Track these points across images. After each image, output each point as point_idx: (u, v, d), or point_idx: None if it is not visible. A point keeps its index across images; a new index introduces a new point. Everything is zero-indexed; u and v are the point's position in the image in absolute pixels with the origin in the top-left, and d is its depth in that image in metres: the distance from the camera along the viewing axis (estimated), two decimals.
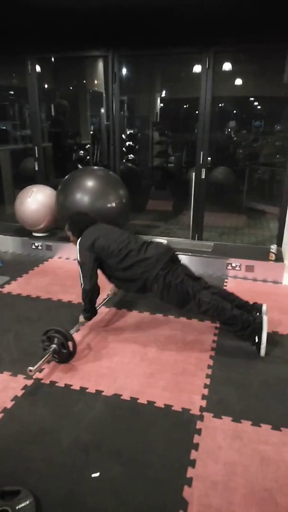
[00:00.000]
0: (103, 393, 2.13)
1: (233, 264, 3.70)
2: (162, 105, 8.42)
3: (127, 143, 6.51)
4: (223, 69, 6.48)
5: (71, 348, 2.34)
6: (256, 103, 8.31)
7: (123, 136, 6.53)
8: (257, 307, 2.64)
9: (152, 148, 7.62)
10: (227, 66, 6.62)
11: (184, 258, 3.84)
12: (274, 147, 6.32)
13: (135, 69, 6.86)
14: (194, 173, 4.06)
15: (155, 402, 2.06)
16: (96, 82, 6.60)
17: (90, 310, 2.60)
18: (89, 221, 2.72)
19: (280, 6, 3.04)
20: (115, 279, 2.68)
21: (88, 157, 6.39)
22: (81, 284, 2.54)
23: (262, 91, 7.36)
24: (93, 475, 1.66)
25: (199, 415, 1.98)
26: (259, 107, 8.35)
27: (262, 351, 2.44)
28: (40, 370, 2.29)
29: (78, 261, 2.56)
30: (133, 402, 2.07)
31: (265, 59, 5.97)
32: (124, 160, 6.25)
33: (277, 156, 5.79)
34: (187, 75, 6.50)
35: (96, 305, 2.67)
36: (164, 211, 5.75)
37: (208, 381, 2.24)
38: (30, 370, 2.12)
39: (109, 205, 3.77)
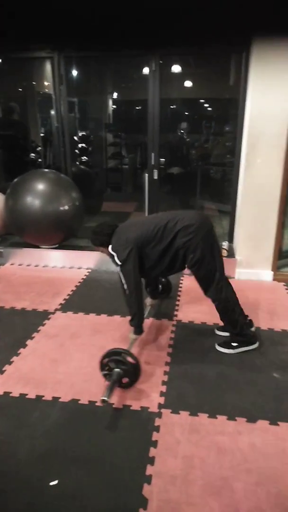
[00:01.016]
0: (60, 400, 2.09)
1: None
2: (114, 106, 8.43)
3: (80, 145, 6.45)
4: (172, 71, 6.61)
5: (129, 360, 2.12)
6: (206, 105, 8.55)
7: (75, 138, 6.45)
8: (251, 325, 2.68)
9: (106, 150, 7.61)
10: (176, 69, 6.75)
11: None
12: (225, 148, 6.54)
13: (85, 71, 6.81)
14: (146, 174, 4.09)
15: (113, 404, 2.05)
16: (46, 84, 6.47)
17: (136, 313, 2.35)
18: (111, 226, 2.52)
19: (223, 10, 3.14)
20: (156, 267, 2.43)
21: (40, 160, 6.25)
22: (125, 290, 2.35)
23: (210, 93, 7.60)
24: (51, 483, 1.62)
25: (157, 412, 2.00)
26: (209, 108, 8.60)
27: (224, 350, 2.52)
28: None
29: (118, 264, 2.34)
30: (91, 405, 2.05)
31: (212, 62, 6.17)
32: (77, 162, 6.18)
33: (227, 156, 6.00)
34: (137, 77, 6.57)
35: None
36: (120, 213, 5.75)
37: (166, 378, 2.26)
38: (105, 400, 1.91)
39: (61, 208, 3.71)
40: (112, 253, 2.38)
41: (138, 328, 2.39)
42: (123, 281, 2.35)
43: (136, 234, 2.35)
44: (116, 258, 2.35)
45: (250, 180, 3.47)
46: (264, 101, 3.26)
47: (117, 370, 2.08)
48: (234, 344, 2.53)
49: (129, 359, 2.11)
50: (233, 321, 2.50)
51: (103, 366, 2.14)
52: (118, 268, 2.37)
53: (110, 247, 2.41)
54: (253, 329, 2.68)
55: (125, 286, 2.34)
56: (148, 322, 2.90)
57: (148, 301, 2.94)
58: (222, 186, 6.17)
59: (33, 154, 6.21)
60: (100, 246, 2.51)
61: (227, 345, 2.54)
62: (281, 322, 2.92)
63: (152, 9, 3.28)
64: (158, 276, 2.53)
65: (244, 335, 2.52)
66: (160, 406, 2.04)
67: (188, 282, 3.64)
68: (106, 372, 2.13)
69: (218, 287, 2.41)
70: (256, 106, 3.29)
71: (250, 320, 2.68)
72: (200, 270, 2.38)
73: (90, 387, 2.19)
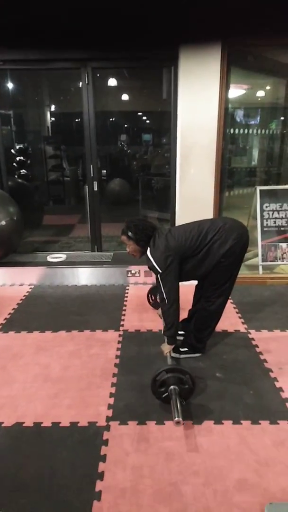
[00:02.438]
0: (3, 425, 1.99)
1: (133, 271, 3.81)
2: (53, 119, 8.34)
3: (18, 158, 6.27)
4: (108, 84, 6.71)
5: (190, 383, 2.05)
6: (144, 118, 8.78)
7: (12, 151, 6.27)
8: None
9: (46, 162, 7.48)
10: (112, 82, 6.87)
11: (85, 270, 3.84)
12: (164, 158, 6.74)
13: (20, 83, 6.68)
14: (86, 186, 4.09)
15: (60, 422, 1.99)
16: None
17: (173, 324, 2.29)
18: (153, 226, 2.39)
19: (152, 24, 3.27)
20: (193, 271, 2.35)
21: None
22: (164, 297, 2.25)
23: (146, 106, 7.82)
24: None
25: (106, 425, 1.98)
26: (147, 121, 8.84)
27: (168, 356, 2.51)
28: None
29: (157, 271, 2.25)
30: (36, 427, 1.97)
31: (145, 76, 6.36)
32: (16, 176, 6.01)
33: (166, 166, 6.19)
34: (75, 89, 6.57)
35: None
36: (63, 225, 5.66)
37: (113, 390, 2.25)
38: (179, 422, 1.81)
39: None
40: (150, 257, 2.28)
41: (173, 338, 2.35)
42: (163, 290, 2.26)
43: (178, 243, 2.27)
44: (155, 264, 2.26)
45: (186, 189, 3.61)
46: (193, 113, 3.43)
47: (173, 387, 2.01)
48: (182, 350, 2.58)
49: (182, 374, 2.05)
50: (206, 327, 2.51)
51: (158, 385, 2.06)
52: (158, 275, 2.28)
53: (148, 250, 2.31)
54: None
55: (165, 295, 2.26)
56: (94, 335, 2.88)
57: (159, 311, 2.85)
58: (162, 196, 6.34)
59: None
60: (134, 243, 2.36)
61: (175, 350, 2.57)
62: (221, 323, 3.02)
63: (83, 22, 3.33)
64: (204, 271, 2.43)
65: (201, 342, 2.57)
66: (108, 418, 2.02)
67: (133, 291, 3.67)
68: (162, 393, 2.06)
69: (220, 293, 2.37)
70: (186, 119, 3.45)
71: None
72: (220, 274, 2.32)
73: (34, 407, 2.11)
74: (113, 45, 3.45)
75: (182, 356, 2.56)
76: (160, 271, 2.24)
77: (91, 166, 3.93)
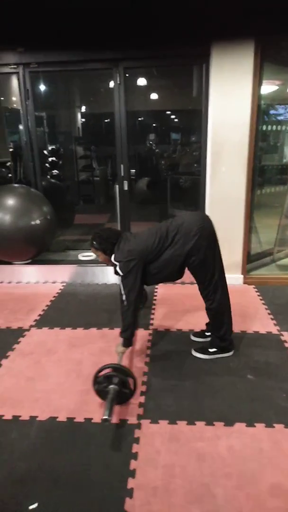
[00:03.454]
0: (37, 419, 2.05)
1: None
2: (83, 120, 8.48)
3: (50, 159, 6.43)
4: (137, 84, 6.73)
5: (131, 386, 2.10)
6: (172, 116, 8.75)
7: (45, 152, 6.43)
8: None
9: (77, 163, 7.62)
10: (141, 82, 6.89)
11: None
12: (192, 157, 6.70)
13: (52, 85, 6.84)
14: (117, 186, 4.13)
15: (92, 419, 2.03)
16: (14, 99, 6.44)
17: (129, 325, 2.33)
18: (117, 233, 2.50)
19: (183, 22, 3.25)
20: (159, 273, 2.42)
21: (10, 175, 6.17)
22: (123, 298, 2.32)
23: (176, 105, 7.78)
24: (30, 507, 1.58)
25: (137, 423, 2.00)
26: (176, 120, 8.80)
27: (200, 356, 2.55)
28: None
29: (120, 275, 2.32)
30: (69, 422, 2.02)
31: (176, 75, 6.34)
32: (48, 176, 6.15)
33: (195, 165, 6.14)
34: (105, 90, 6.65)
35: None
36: (93, 225, 5.74)
37: (144, 388, 2.27)
38: (107, 420, 1.86)
39: (33, 223, 3.67)
40: (115, 263, 2.35)
41: (128, 341, 2.37)
42: (123, 291, 2.32)
43: (141, 247, 2.35)
44: (118, 268, 2.33)
45: (216, 187, 3.56)
46: (225, 110, 3.38)
47: (113, 386, 2.03)
48: (211, 350, 2.56)
49: (126, 376, 2.08)
50: (220, 324, 2.51)
51: (98, 382, 2.09)
52: (119, 278, 2.35)
53: (113, 256, 2.38)
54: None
55: (124, 297, 2.32)
56: None
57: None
58: (191, 194, 6.29)
59: (3, 169, 6.13)
60: (101, 252, 2.47)
61: (204, 351, 2.57)
62: (253, 324, 2.99)
63: (115, 23, 3.36)
64: (175, 277, 2.52)
65: (225, 340, 2.55)
66: (140, 417, 2.04)
67: (162, 290, 3.67)
68: (101, 388, 2.07)
69: (214, 288, 2.41)
70: (218, 116, 3.41)
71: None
72: (201, 271, 2.39)
73: (68, 403, 2.16)
74: (145, 44, 3.46)
75: (212, 356, 2.55)
76: (122, 274, 2.32)
77: (122, 165, 3.96)
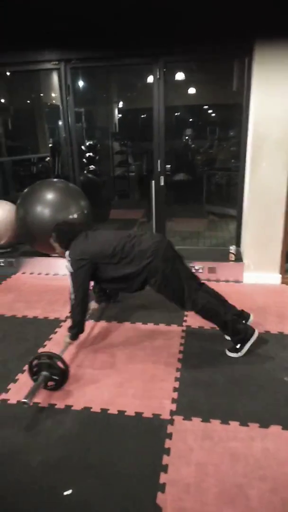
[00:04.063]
0: (72, 408, 2.10)
1: (196, 267, 3.78)
2: (120, 115, 8.53)
3: (87, 154, 6.53)
4: (176, 79, 6.67)
5: (62, 374, 2.20)
6: (210, 111, 8.59)
7: (83, 147, 6.54)
8: (245, 316, 2.66)
9: (113, 158, 7.69)
10: (179, 76, 6.81)
11: None
12: (229, 152, 6.57)
13: (91, 81, 6.93)
14: (153, 181, 4.12)
15: (125, 411, 2.05)
16: (53, 95, 6.60)
17: (77, 324, 2.43)
18: (77, 230, 2.56)
19: (225, 15, 3.18)
20: (113, 282, 2.51)
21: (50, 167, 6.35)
22: (72, 296, 2.38)
23: (214, 99, 7.64)
24: (65, 493, 1.63)
25: (170, 419, 1.99)
26: (213, 114, 8.64)
27: (233, 355, 2.50)
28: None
29: (70, 272, 2.40)
30: (103, 413, 2.05)
31: (215, 69, 6.22)
32: (85, 171, 6.26)
33: (232, 160, 6.01)
34: (142, 85, 6.65)
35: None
36: (128, 220, 5.78)
37: (177, 385, 2.26)
38: (25, 403, 1.95)
39: (70, 217, 3.74)
40: (68, 258, 2.43)
41: (75, 336, 2.46)
42: (73, 289, 2.38)
43: (95, 250, 2.42)
44: (69, 265, 2.40)
45: (256, 184, 3.47)
46: (268, 105, 3.27)
47: (45, 373, 2.14)
48: (238, 347, 2.52)
49: (59, 363, 2.18)
50: (222, 324, 2.50)
51: (31, 368, 2.19)
52: (68, 275, 2.42)
53: (67, 252, 2.46)
54: (251, 319, 2.65)
55: (73, 296, 2.39)
56: (157, 328, 2.91)
57: (92, 304, 2.92)
58: (227, 191, 6.18)
59: (41, 165, 6.31)
60: (58, 244, 2.56)
61: (234, 350, 2.53)
62: (286, 325, 2.89)
63: (155, 17, 3.33)
64: (133, 289, 2.57)
65: (237, 332, 2.49)
66: (172, 413, 2.04)
67: None
68: (34, 374, 2.18)
69: (191, 299, 2.43)
70: (260, 111, 3.31)
71: (242, 311, 2.67)
72: (167, 291, 2.44)
73: (101, 394, 2.20)
74: (186, 38, 3.41)
75: (243, 352, 2.49)
76: (72, 271, 2.37)
77: (159, 161, 3.95)
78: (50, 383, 2.20)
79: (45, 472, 1.73)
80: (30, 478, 1.70)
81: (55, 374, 2.17)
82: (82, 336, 2.82)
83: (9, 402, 2.16)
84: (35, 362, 2.18)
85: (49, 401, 2.16)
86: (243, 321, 2.60)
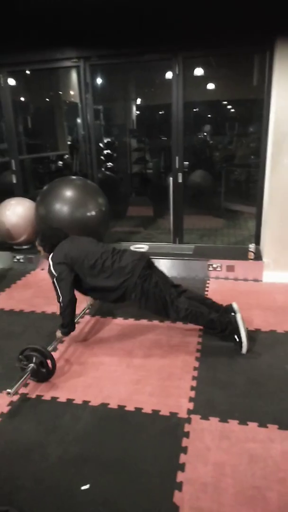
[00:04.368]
0: (90, 403, 2.12)
1: (214, 265, 3.74)
2: (138, 112, 8.50)
3: (105, 152, 6.55)
4: (194, 74, 6.59)
5: (50, 366, 2.27)
6: (229, 107, 8.46)
7: (101, 144, 6.56)
8: (229, 308, 2.66)
9: (130, 155, 7.68)
10: (198, 71, 6.73)
11: (166, 262, 3.88)
12: (249, 149, 6.45)
13: (109, 78, 6.93)
14: (171, 178, 4.10)
15: (142, 409, 2.06)
16: (72, 93, 6.64)
17: (68, 324, 2.51)
18: (61, 236, 2.68)
19: (246, 9, 3.12)
20: (92, 291, 2.64)
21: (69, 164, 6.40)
22: (58, 298, 2.47)
23: (233, 95, 7.52)
24: (82, 488, 1.64)
25: (187, 418, 1.99)
26: (232, 110, 8.51)
27: (244, 349, 2.48)
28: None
29: (53, 275, 2.49)
30: (120, 410, 2.06)
31: (235, 63, 6.12)
32: (103, 168, 6.28)
33: (252, 157, 5.91)
34: (160, 82, 6.60)
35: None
36: (145, 217, 5.77)
37: (194, 383, 2.25)
38: (9, 393, 2.04)
39: (88, 214, 3.77)
40: (49, 262, 2.52)
41: (67, 334, 2.57)
42: (59, 293, 2.46)
43: (78, 256, 2.51)
44: (52, 268, 2.49)
45: (277, 180, 3.40)
46: None
47: (32, 365, 2.21)
48: (237, 340, 2.51)
49: (48, 359, 2.25)
50: (208, 323, 2.54)
51: (21, 358, 2.26)
52: (53, 279, 2.49)
53: (50, 256, 2.55)
54: (235, 306, 2.64)
55: (60, 299, 2.46)
56: (174, 326, 2.90)
57: (88, 300, 2.99)
58: (247, 188, 6.08)
59: (60, 162, 6.36)
60: (41, 248, 2.68)
61: (239, 345, 2.50)
62: None
63: (174, 13, 3.30)
64: (110, 301, 2.70)
65: (225, 325, 2.51)
66: (189, 411, 2.03)
67: (214, 286, 3.60)
68: (22, 365, 2.26)
69: (173, 308, 2.49)
70: (282, 106, 3.23)
71: (225, 306, 2.68)
72: (149, 304, 2.51)
73: (118, 391, 2.21)
74: (205, 33, 3.36)
75: (243, 342, 2.46)
76: (56, 275, 2.46)
77: (177, 157, 3.92)
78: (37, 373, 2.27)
79: (63, 466, 1.75)
80: (48, 471, 1.73)
81: (42, 367, 2.25)
82: (99, 333, 2.85)
83: (28, 396, 2.20)
84: (25, 353, 2.27)
85: (67, 396, 2.18)
86: (232, 314, 2.60)
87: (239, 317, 2.51)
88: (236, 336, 2.52)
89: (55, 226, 2.88)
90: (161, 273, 2.65)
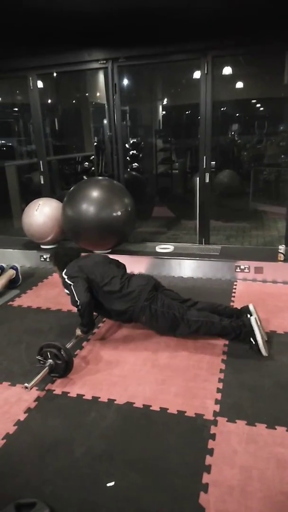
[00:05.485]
0: (115, 402, 2.13)
1: (242, 267, 3.67)
2: (164, 112, 8.49)
3: (131, 152, 6.58)
4: (223, 73, 6.52)
5: (65, 358, 2.29)
6: (258, 105, 8.31)
7: (127, 145, 6.60)
8: (245, 310, 2.62)
9: (156, 156, 7.68)
10: (227, 70, 6.65)
11: (191, 263, 3.85)
12: (278, 148, 6.31)
13: (136, 79, 6.97)
14: (198, 178, 4.07)
15: (167, 409, 2.05)
16: (98, 94, 6.72)
17: (87, 324, 2.57)
18: (74, 254, 2.84)
19: (276, 7, 3.06)
20: (99, 309, 2.71)
21: (93, 168, 6.48)
22: (76, 302, 2.52)
23: (263, 93, 7.37)
24: (108, 485, 1.65)
25: (213, 420, 1.96)
26: (261, 108, 8.35)
27: (263, 351, 2.42)
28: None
29: (68, 284, 2.57)
30: (145, 409, 2.06)
31: (265, 61, 6.00)
32: (128, 169, 6.31)
33: (282, 156, 5.78)
34: (187, 81, 6.57)
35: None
36: (170, 217, 5.76)
37: (220, 385, 2.21)
38: (26, 387, 2.10)
39: (114, 214, 3.80)
40: (64, 276, 2.63)
41: (87, 332, 2.64)
42: (76, 298, 2.51)
43: (91, 271, 2.62)
44: (66, 279, 2.59)
45: None
46: None
47: (50, 361, 2.26)
48: (253, 343, 2.45)
49: (65, 355, 2.29)
50: (221, 330, 2.52)
51: (41, 353, 2.32)
52: (69, 288, 2.56)
53: (64, 271, 2.66)
54: (251, 308, 2.60)
55: (78, 303, 2.50)
56: None
57: (77, 331, 2.71)
58: (276, 188, 5.94)
59: (86, 163, 6.45)
60: (56, 268, 2.82)
61: (256, 348, 2.45)
62: None
63: (203, 11, 3.27)
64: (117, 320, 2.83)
65: (239, 329, 2.48)
66: (216, 413, 2.00)
67: (241, 287, 3.54)
68: (41, 359, 2.31)
69: (184, 322, 2.52)
70: None
71: (239, 309, 2.66)
72: (160, 324, 2.59)
73: (143, 390, 2.20)
74: (235, 31, 3.31)
75: (260, 344, 2.42)
76: (72, 284, 2.54)
77: (204, 157, 3.88)
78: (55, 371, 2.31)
79: (88, 463, 1.76)
80: (74, 467, 1.75)
81: (60, 363, 2.29)
82: (124, 333, 2.86)
83: (54, 392, 2.23)
84: (45, 349, 2.31)
85: (93, 393, 2.20)
86: (247, 315, 2.55)
87: (253, 319, 2.46)
88: (251, 339, 2.46)
89: (68, 246, 3.03)
90: (168, 292, 2.72)
